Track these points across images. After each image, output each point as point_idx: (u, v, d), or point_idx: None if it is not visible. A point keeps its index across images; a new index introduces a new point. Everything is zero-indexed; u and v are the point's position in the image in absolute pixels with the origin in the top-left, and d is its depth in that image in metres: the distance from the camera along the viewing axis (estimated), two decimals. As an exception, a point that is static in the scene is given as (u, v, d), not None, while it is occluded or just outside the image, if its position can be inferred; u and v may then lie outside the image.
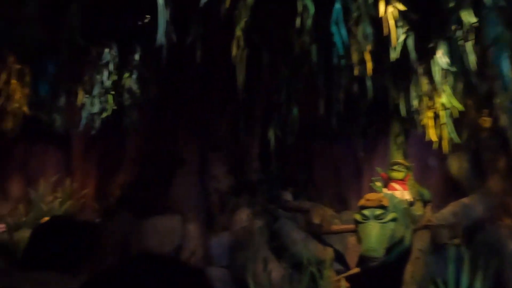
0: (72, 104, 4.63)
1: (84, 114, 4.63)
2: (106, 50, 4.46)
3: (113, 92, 4.51)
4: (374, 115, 5.03)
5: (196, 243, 3.46)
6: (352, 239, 4.51)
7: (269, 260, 3.34)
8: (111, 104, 4.58)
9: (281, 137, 4.32)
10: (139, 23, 3.83)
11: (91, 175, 5.74)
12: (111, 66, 4.42)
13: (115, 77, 4.51)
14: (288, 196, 5.08)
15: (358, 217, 3.48)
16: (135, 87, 4.51)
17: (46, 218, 4.84)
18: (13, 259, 3.77)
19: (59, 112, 4.64)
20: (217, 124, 4.04)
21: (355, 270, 3.52)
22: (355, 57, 2.74)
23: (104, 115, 4.53)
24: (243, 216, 3.71)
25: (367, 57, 2.72)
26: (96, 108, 4.76)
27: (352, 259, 4.36)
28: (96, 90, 4.61)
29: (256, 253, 3.36)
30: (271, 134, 4.23)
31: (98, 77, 4.42)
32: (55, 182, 5.34)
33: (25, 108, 3.85)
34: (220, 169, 3.89)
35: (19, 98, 3.72)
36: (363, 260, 3.44)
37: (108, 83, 4.46)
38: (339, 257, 4.26)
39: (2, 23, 3.21)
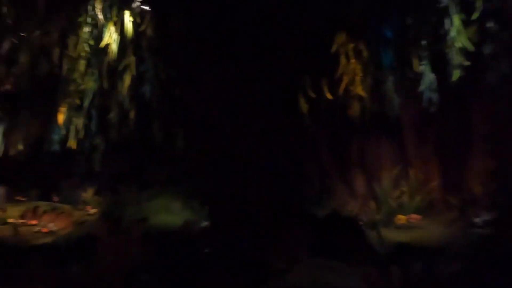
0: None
1: (423, 85, 3.69)
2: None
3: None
4: None
5: None
6: None
7: None
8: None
9: None
10: None
11: (432, 163, 4.71)
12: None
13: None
14: None
15: None
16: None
17: (402, 217, 4.23)
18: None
19: (391, 92, 3.91)
20: None
21: None
22: None
23: (456, 75, 3.36)
24: None
25: None
26: (431, 76, 3.69)
27: None
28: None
29: None
30: None
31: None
32: (397, 176, 4.68)
33: (364, 91, 3.31)
34: None
35: (359, 80, 3.23)
36: None
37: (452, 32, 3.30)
38: None
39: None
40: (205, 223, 4.05)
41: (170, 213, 5.13)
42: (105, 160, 6.72)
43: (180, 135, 6.31)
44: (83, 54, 3.88)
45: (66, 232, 5.88)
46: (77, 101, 4.29)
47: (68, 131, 5.86)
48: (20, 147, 5.73)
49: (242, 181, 3.36)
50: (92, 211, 6.48)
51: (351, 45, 3.19)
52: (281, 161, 3.41)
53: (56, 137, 6.04)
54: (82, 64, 3.95)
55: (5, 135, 5.82)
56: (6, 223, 6.09)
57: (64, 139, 5.98)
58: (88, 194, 6.99)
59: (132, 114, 5.22)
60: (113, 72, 4.49)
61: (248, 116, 3.56)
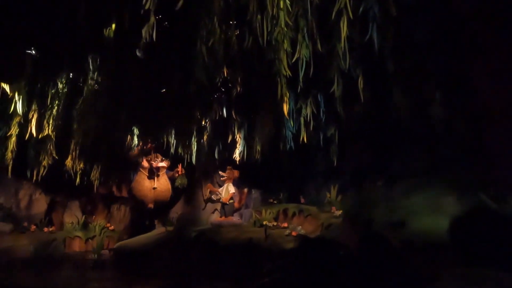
0: None
1: None
2: None
3: None
4: None
5: None
6: None
7: None
8: None
9: None
10: None
11: None
12: None
13: None
14: None
15: None
16: None
17: None
18: None
19: None
20: None
21: None
22: None
23: None
24: None
25: None
26: None
27: None
28: None
29: None
30: None
31: None
32: None
33: None
34: None
35: None
36: None
37: None
38: None
39: None
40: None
41: (440, 213, 3.37)
42: (344, 152, 5.73)
43: (437, 104, 4.42)
44: (282, 6, 2.96)
45: (313, 236, 5.25)
46: (288, 72, 3.38)
47: (297, 122, 5.26)
48: (259, 148, 5.56)
49: None
50: (337, 212, 5.59)
51: None
52: None
53: (289, 132, 5.59)
54: (283, 20, 3.03)
55: (246, 139, 5.86)
56: (262, 225, 6.18)
57: (297, 134, 5.43)
58: (332, 193, 6.22)
59: (361, 83, 3.89)
60: (325, 26, 3.35)
61: None
